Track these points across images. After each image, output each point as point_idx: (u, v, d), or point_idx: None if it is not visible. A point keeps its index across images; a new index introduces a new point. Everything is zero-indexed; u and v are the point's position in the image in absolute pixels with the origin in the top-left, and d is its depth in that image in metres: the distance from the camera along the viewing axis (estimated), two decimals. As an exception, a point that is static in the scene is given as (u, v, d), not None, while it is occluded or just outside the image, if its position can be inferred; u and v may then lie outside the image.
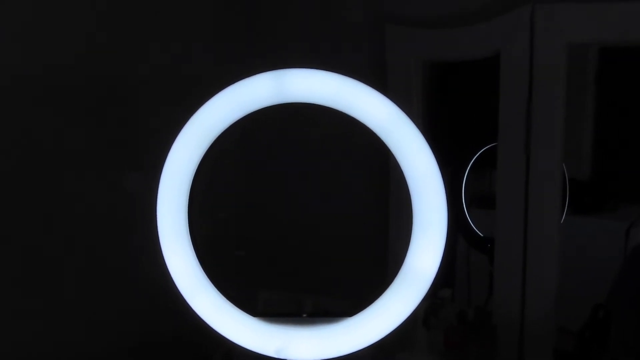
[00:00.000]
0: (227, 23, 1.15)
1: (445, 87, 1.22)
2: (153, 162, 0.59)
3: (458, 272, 1.23)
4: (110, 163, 0.92)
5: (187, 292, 0.58)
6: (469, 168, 1.20)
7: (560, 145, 0.91)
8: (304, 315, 0.60)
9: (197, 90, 0.60)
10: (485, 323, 0.91)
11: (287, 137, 1.13)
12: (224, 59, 1.11)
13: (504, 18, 0.93)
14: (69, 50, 0.85)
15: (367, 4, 1.11)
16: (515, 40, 0.92)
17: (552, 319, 0.91)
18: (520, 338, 0.92)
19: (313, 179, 1.16)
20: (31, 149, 0.81)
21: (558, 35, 0.89)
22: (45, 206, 0.83)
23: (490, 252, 1.16)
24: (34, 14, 0.80)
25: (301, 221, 1.16)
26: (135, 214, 0.70)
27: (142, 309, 0.98)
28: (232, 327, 0.58)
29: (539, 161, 0.91)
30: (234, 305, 0.59)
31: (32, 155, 0.81)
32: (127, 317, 0.96)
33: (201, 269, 0.59)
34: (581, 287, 0.98)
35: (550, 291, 0.90)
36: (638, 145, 1.03)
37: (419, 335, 0.92)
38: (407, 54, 1.04)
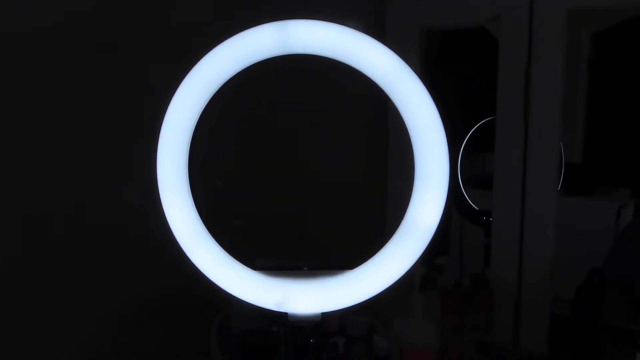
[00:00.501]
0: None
1: (443, 57, 1.22)
2: (153, 115, 0.58)
3: (452, 243, 1.24)
4: (109, 119, 0.91)
5: (187, 244, 0.58)
6: (465, 142, 1.21)
7: (559, 113, 0.91)
8: (305, 269, 0.60)
9: (198, 42, 0.59)
10: (482, 289, 0.92)
11: (284, 91, 1.13)
12: (225, 11, 1.10)
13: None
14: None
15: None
16: (515, 5, 0.91)
17: (549, 286, 0.92)
18: (517, 304, 0.93)
19: (311, 135, 1.15)
20: (28, 106, 0.80)
21: (557, 1, 0.89)
22: (46, 162, 0.82)
23: (485, 225, 1.18)
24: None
25: (298, 187, 1.16)
26: (134, 170, 0.69)
27: (143, 268, 0.98)
28: (232, 280, 0.58)
29: (537, 130, 0.92)
30: (234, 259, 0.59)
31: (29, 111, 0.80)
32: (127, 278, 0.96)
33: (201, 222, 0.59)
34: (575, 262, 0.99)
35: (547, 259, 0.91)
36: (630, 130, 1.04)
37: (416, 301, 0.93)
38: (407, 21, 1.04)
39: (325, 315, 0.58)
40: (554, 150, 0.92)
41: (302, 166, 1.16)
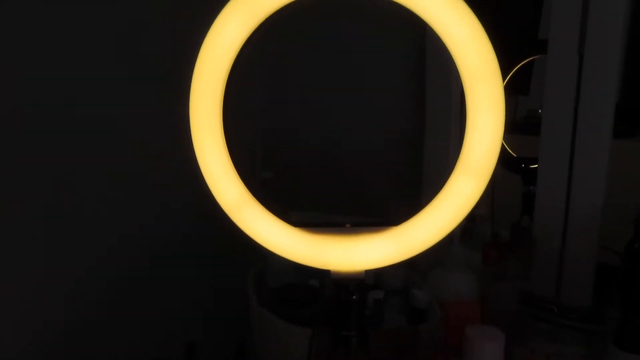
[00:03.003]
0: None
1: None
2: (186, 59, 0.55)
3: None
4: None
5: (228, 204, 0.56)
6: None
7: (619, 51, 0.84)
8: (347, 225, 0.58)
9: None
10: (524, 238, 0.89)
11: (316, 39, 1.07)
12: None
13: None
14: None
15: None
16: None
17: (596, 236, 0.89)
18: (560, 253, 0.90)
19: (344, 91, 1.11)
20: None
21: None
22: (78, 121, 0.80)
23: (524, 172, 1.13)
24: None
25: (331, 137, 1.12)
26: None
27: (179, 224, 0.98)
28: (273, 236, 0.56)
29: (592, 64, 0.85)
30: (274, 216, 0.57)
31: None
32: (162, 233, 0.96)
33: (240, 179, 0.56)
34: (625, 209, 0.95)
35: (596, 206, 0.87)
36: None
37: (454, 251, 0.91)
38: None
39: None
40: (610, 90, 0.85)
41: (335, 118, 1.12)
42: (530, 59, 1.10)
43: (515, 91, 1.11)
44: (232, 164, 0.56)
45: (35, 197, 0.76)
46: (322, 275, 0.83)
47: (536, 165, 1.02)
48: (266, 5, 0.51)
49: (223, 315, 1.11)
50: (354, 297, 0.58)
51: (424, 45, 1.06)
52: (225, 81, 0.54)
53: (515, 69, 1.08)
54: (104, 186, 0.86)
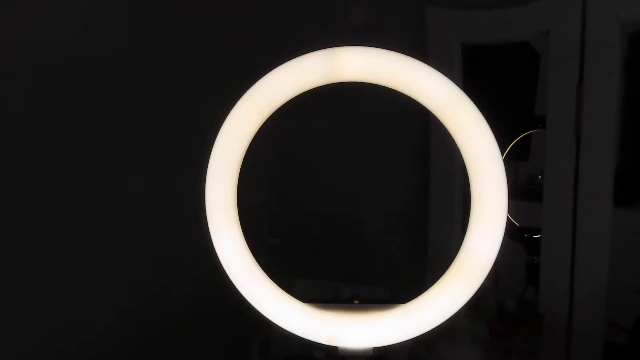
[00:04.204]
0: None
1: (484, 71, 1.19)
2: (201, 143, 0.58)
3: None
4: (157, 146, 0.91)
5: (237, 278, 0.57)
6: (504, 155, 1.18)
7: (614, 129, 0.87)
8: (356, 302, 0.58)
9: (243, 70, 0.58)
10: (531, 313, 0.89)
11: (325, 113, 1.11)
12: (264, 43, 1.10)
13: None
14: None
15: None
16: (566, 19, 0.88)
17: (603, 310, 0.88)
18: (568, 328, 0.89)
19: (350, 166, 1.14)
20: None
21: (611, 14, 0.85)
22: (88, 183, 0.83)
23: (527, 242, 1.14)
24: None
25: (338, 208, 1.14)
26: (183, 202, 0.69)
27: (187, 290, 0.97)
28: (283, 313, 0.56)
29: (589, 145, 0.88)
30: (284, 292, 0.58)
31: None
32: (167, 303, 0.96)
33: (250, 253, 0.58)
34: (629, 281, 0.94)
35: (601, 278, 0.87)
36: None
37: (460, 325, 0.90)
38: (449, 36, 1.01)
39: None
40: (608, 162, 0.88)
41: (342, 189, 1.14)
42: (528, 132, 1.14)
43: (515, 157, 1.14)
44: (245, 243, 0.57)
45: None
46: (328, 347, 0.82)
47: (539, 236, 1.02)
48: (277, 98, 0.55)
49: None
50: (362, 374, 0.58)
51: (428, 127, 1.10)
52: (240, 164, 0.56)
53: (513, 142, 1.12)
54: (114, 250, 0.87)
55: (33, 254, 0.76)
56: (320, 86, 0.57)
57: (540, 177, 1.06)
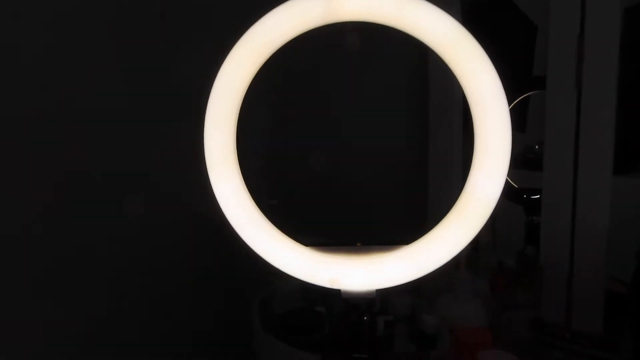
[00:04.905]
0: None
1: (482, 30, 1.17)
2: (199, 89, 0.57)
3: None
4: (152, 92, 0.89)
5: (237, 221, 0.56)
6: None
7: (615, 81, 0.86)
8: (358, 244, 0.58)
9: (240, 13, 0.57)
10: (533, 267, 0.89)
11: (321, 64, 1.10)
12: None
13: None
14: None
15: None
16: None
17: (603, 264, 0.88)
18: (569, 281, 0.90)
19: (351, 108, 1.13)
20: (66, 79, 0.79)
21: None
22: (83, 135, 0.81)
23: (526, 202, 1.14)
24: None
25: (336, 161, 1.13)
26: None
27: (185, 243, 0.97)
28: (284, 256, 0.56)
29: (590, 99, 0.87)
30: (285, 235, 0.57)
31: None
32: (171, 252, 0.96)
33: (250, 198, 0.57)
34: (628, 243, 0.95)
35: (602, 237, 0.87)
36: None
37: (462, 278, 0.90)
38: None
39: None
40: (609, 126, 0.87)
41: (341, 141, 1.13)
42: (527, 94, 1.13)
43: (513, 128, 1.13)
44: (244, 186, 0.57)
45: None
46: (329, 300, 0.82)
47: (537, 196, 1.02)
48: (270, 44, 0.53)
49: (228, 345, 1.09)
50: (365, 317, 0.58)
51: (427, 70, 1.09)
52: (237, 114, 0.55)
53: (512, 104, 1.11)
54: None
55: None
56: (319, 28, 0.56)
57: (537, 147, 1.06)
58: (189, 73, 0.79)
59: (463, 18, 1.04)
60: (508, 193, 1.19)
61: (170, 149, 0.91)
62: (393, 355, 0.78)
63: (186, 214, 0.96)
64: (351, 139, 1.14)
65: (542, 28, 1.02)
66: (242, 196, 0.56)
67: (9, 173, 0.74)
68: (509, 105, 1.16)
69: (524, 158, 1.12)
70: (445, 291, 0.90)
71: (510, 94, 1.14)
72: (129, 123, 0.88)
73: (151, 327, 0.94)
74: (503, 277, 0.90)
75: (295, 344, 0.76)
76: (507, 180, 1.25)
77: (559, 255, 0.93)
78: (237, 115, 0.55)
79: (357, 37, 0.99)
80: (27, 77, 0.75)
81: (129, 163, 0.88)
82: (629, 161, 1.02)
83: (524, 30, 1.10)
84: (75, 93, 0.80)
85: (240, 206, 0.56)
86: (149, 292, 0.93)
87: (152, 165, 0.91)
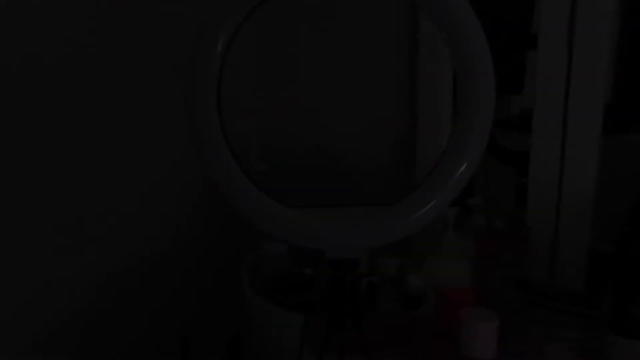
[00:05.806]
0: None
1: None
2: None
3: (476, 184, 1.22)
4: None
5: (226, 183, 0.55)
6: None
7: (608, 40, 0.85)
8: (344, 205, 0.57)
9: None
10: (519, 227, 0.90)
11: (305, 25, 1.07)
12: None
13: None
14: None
15: None
16: None
17: (588, 223, 0.90)
18: (554, 241, 0.91)
19: (336, 69, 1.11)
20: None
21: None
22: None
23: (517, 164, 1.14)
24: None
25: (323, 126, 1.12)
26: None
27: (174, 208, 0.97)
28: (271, 217, 0.56)
29: (581, 58, 0.86)
30: (270, 198, 0.57)
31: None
32: (161, 222, 0.96)
33: (235, 162, 0.56)
34: (614, 203, 0.95)
35: (588, 197, 0.88)
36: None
37: (449, 241, 0.91)
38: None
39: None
40: (598, 87, 0.87)
41: (326, 104, 1.12)
42: (523, 53, 1.11)
43: (509, 90, 1.12)
44: (228, 146, 0.55)
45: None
46: (316, 263, 0.83)
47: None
48: None
49: (218, 308, 1.10)
50: (349, 277, 0.58)
51: (417, 23, 1.07)
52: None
53: (509, 63, 1.09)
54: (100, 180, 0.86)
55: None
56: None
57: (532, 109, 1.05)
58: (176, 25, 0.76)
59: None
60: (499, 155, 1.19)
61: (158, 110, 0.90)
62: (377, 315, 0.79)
63: (176, 178, 0.95)
64: (339, 99, 1.12)
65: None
66: (228, 160, 0.56)
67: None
68: (505, 68, 1.15)
69: (520, 120, 1.11)
70: (432, 252, 0.91)
71: (509, 53, 1.12)
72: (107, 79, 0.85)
73: (142, 296, 0.95)
74: (491, 238, 0.91)
75: (284, 305, 0.76)
76: (498, 142, 1.25)
77: (546, 214, 0.93)
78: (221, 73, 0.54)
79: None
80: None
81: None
82: (619, 121, 1.01)
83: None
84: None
85: (227, 169, 0.55)
86: (137, 264, 0.93)
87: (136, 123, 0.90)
